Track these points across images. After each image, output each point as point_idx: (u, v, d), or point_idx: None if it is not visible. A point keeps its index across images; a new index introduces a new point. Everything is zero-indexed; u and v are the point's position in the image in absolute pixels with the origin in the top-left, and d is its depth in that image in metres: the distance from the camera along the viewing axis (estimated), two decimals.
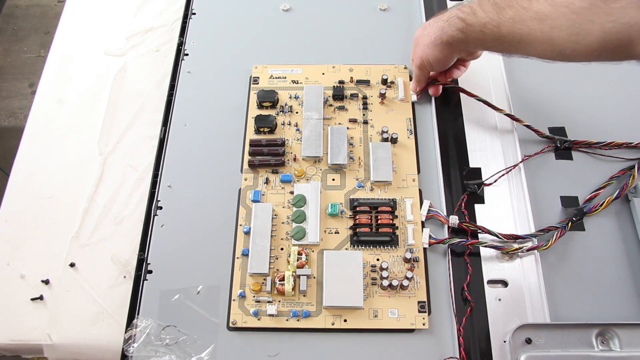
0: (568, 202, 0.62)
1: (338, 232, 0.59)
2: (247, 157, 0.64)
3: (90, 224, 0.63)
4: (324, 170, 0.63)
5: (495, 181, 0.63)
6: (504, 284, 0.57)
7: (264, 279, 0.56)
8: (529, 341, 0.52)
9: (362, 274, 0.56)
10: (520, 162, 0.64)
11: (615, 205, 0.61)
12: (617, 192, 0.61)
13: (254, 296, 0.56)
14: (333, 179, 0.63)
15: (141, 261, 0.59)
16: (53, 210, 0.64)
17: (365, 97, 0.68)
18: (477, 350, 0.53)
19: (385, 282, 0.56)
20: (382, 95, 0.68)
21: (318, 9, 0.78)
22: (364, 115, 0.67)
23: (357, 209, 0.60)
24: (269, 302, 0.55)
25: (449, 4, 0.77)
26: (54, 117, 0.71)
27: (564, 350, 0.52)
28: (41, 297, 0.58)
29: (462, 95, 0.68)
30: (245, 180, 0.63)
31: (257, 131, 0.66)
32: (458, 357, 0.53)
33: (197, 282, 0.57)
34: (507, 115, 0.65)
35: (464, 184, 0.62)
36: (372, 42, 0.75)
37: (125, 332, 0.54)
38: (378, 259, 0.58)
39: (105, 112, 0.70)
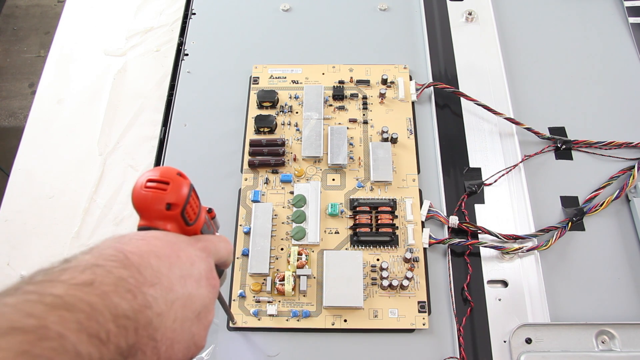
0: (568, 202, 0.62)
1: (338, 232, 0.59)
2: (247, 157, 0.64)
3: (90, 224, 0.63)
4: (324, 170, 0.63)
5: (495, 181, 0.63)
6: (504, 284, 0.57)
7: (264, 279, 0.56)
8: (529, 341, 0.52)
9: (362, 274, 0.56)
10: (520, 162, 0.64)
11: (615, 205, 0.61)
12: (617, 192, 0.61)
13: (254, 296, 0.56)
14: (333, 179, 0.63)
15: None
16: (53, 210, 0.64)
17: (365, 97, 0.68)
18: (477, 350, 0.53)
19: (385, 282, 0.56)
20: (382, 95, 0.68)
21: (318, 9, 0.78)
22: (364, 115, 0.67)
23: (357, 209, 0.60)
24: (269, 302, 0.55)
25: (449, 4, 0.77)
26: (54, 117, 0.71)
27: (564, 350, 0.52)
28: None
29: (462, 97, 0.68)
30: (245, 180, 0.63)
31: (257, 131, 0.66)
32: (458, 357, 0.53)
33: None
34: (507, 119, 0.65)
35: (464, 184, 0.62)
36: (372, 42, 0.75)
37: None
38: (378, 259, 0.58)
39: (105, 112, 0.70)
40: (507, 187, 0.62)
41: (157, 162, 0.66)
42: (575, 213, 0.60)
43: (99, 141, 0.68)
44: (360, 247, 0.58)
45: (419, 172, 0.63)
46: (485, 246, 0.58)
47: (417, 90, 0.68)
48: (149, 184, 0.34)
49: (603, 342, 0.53)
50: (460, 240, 0.58)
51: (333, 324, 0.54)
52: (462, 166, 0.64)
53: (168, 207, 0.34)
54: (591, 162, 0.65)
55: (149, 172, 0.35)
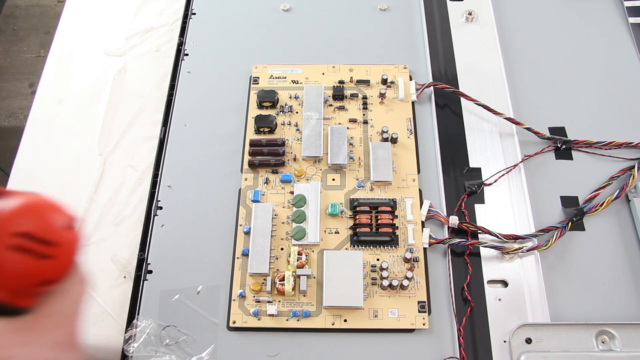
0: (568, 202, 0.62)
1: (338, 232, 0.59)
2: (247, 157, 0.64)
3: (90, 224, 0.63)
4: (324, 170, 0.63)
5: (495, 181, 0.63)
6: (504, 284, 0.57)
7: (264, 279, 0.56)
8: (529, 341, 0.52)
9: (362, 274, 0.56)
10: (520, 162, 0.64)
11: (615, 205, 0.61)
12: (617, 192, 0.61)
13: (254, 296, 0.56)
14: (333, 179, 0.63)
15: (141, 261, 0.59)
16: None
17: (365, 97, 0.68)
18: (477, 350, 0.53)
19: (385, 282, 0.56)
20: (382, 95, 0.68)
21: (318, 9, 0.78)
22: (364, 115, 0.67)
23: (357, 209, 0.60)
24: (269, 302, 0.55)
25: (449, 4, 0.77)
26: (54, 117, 0.71)
27: (564, 350, 0.52)
28: None
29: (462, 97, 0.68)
30: (245, 180, 0.63)
31: (257, 131, 0.66)
32: (458, 357, 0.53)
33: (197, 282, 0.57)
34: (507, 119, 0.65)
35: (464, 184, 0.62)
36: (372, 42, 0.75)
37: (126, 332, 0.54)
38: (378, 259, 0.58)
39: (105, 112, 0.70)
40: (507, 187, 0.62)
41: (157, 162, 0.66)
42: (575, 213, 0.60)
43: (99, 141, 0.68)
44: (360, 247, 0.58)
45: (419, 172, 0.63)
46: (485, 246, 0.58)
47: (417, 90, 0.68)
48: (21, 240, 0.19)
49: (603, 342, 0.53)
50: (460, 240, 0.58)
51: (333, 324, 0.54)
52: (462, 166, 0.64)
53: (44, 283, 0.21)
54: (591, 162, 0.65)
55: (18, 213, 0.19)
